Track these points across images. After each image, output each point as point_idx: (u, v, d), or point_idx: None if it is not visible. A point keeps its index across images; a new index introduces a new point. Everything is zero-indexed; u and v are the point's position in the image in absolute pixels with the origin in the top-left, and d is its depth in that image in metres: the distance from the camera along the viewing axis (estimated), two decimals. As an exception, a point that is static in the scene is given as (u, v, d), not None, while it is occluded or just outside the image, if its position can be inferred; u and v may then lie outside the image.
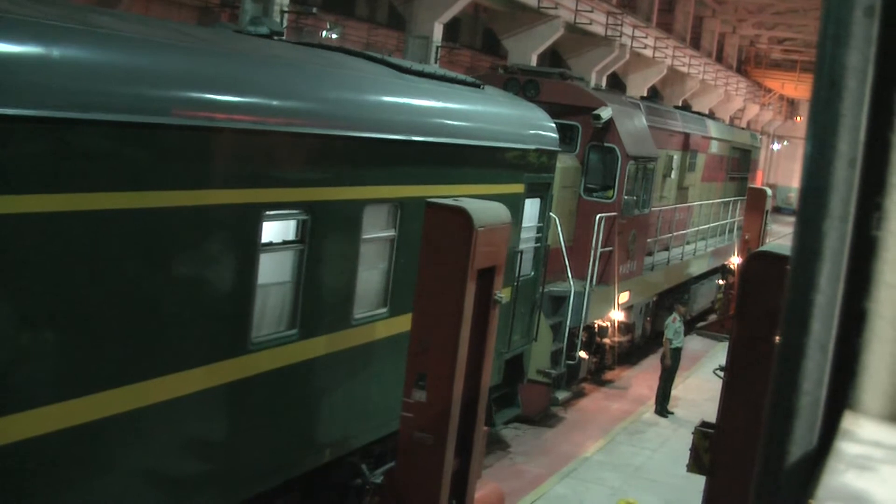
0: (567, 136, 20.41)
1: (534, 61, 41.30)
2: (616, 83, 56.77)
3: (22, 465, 7.51)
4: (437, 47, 36.50)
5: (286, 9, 29.45)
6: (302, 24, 36.94)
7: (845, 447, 2.30)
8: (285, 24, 28.91)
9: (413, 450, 11.09)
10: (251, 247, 9.66)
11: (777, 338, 2.44)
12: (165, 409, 8.80)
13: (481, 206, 11.26)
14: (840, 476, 2.16)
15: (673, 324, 21.48)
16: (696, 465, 13.59)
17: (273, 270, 10.16)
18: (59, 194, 7.47)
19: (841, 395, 2.49)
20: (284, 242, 10.45)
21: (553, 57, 52.48)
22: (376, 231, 11.71)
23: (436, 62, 34.52)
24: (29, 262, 7.33)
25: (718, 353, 24.89)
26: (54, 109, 7.34)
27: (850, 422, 2.44)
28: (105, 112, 7.79)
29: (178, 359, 8.93)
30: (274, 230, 10.32)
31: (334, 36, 36.05)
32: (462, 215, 10.82)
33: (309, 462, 11.31)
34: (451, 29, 44.61)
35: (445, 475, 11.13)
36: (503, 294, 11.69)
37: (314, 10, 33.02)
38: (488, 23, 47.14)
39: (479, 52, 55.58)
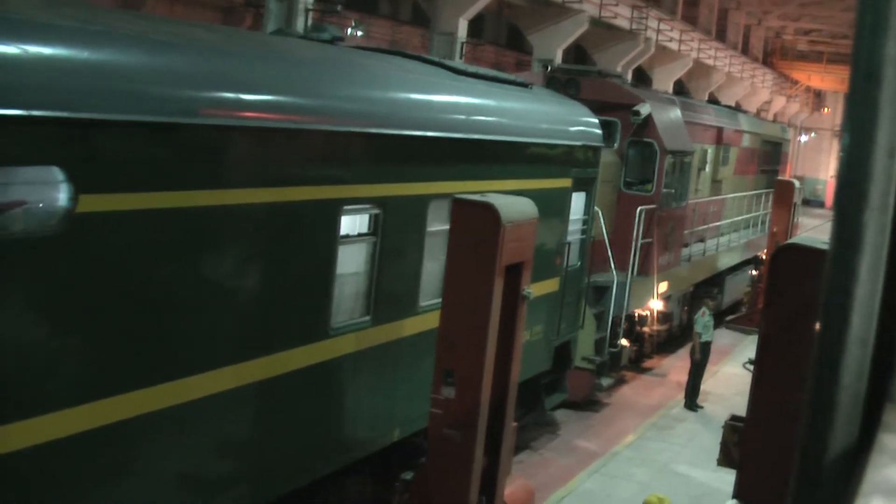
0: (607, 131, 20.60)
1: (559, 57, 41.26)
2: (641, 77, 56.62)
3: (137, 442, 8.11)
4: (462, 44, 36.49)
5: (310, 6, 29.46)
6: (326, 21, 36.99)
7: (888, 440, 2.27)
8: (310, 21, 28.92)
9: (442, 447, 11.10)
10: (331, 239, 10.35)
11: (814, 329, 2.41)
12: (260, 388, 9.58)
13: (509, 201, 11.27)
14: (884, 469, 2.13)
15: (702, 318, 21.50)
16: (725, 459, 13.55)
17: (349, 261, 10.83)
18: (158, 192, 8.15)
19: (881, 389, 2.46)
20: (359, 235, 11.17)
21: (577, 52, 52.33)
22: (439, 224, 12.14)
23: (460, 59, 34.53)
24: (146, 260, 8.04)
25: (748, 347, 24.83)
26: (161, 115, 8.03)
27: (891, 415, 2.40)
28: (212, 118, 8.69)
29: (268, 344, 9.65)
30: (350, 224, 10.97)
31: (359, 34, 36.08)
32: (490, 211, 10.79)
33: (379, 441, 11.99)
34: (475, 25, 44.52)
35: (474, 472, 11.13)
36: (531, 289, 11.68)
37: (338, 7, 33.04)
38: (512, 19, 47.02)
39: (503, 48, 55.49)
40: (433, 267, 12.29)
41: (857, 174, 2.30)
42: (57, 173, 7.16)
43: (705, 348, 21.52)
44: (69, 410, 7.44)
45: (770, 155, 35.80)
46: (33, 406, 7.17)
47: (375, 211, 11.12)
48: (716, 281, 29.01)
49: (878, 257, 2.28)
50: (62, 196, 7.19)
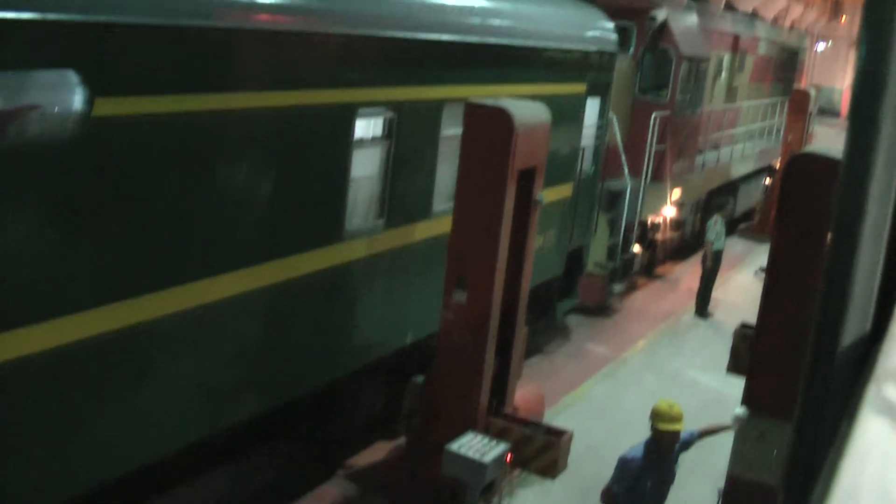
0: (622, 37, 20.41)
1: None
2: (658, -17, 55.77)
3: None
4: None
5: None
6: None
7: None
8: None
9: (453, 351, 11.17)
10: (346, 143, 10.38)
11: (827, 237, 2.42)
12: (273, 292, 9.70)
13: (522, 105, 11.21)
14: None
15: (714, 226, 21.50)
16: (735, 366, 13.66)
17: (363, 165, 10.85)
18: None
19: (894, 285, 2.48)
20: (374, 139, 11.11)
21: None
22: (453, 129, 12.04)
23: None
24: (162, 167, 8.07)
25: (759, 255, 24.81)
26: (176, 18, 8.03)
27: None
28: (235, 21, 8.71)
29: (281, 247, 9.75)
30: (364, 128, 10.93)
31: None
32: (503, 115, 10.72)
33: (392, 345, 12.15)
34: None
35: (485, 376, 11.21)
36: (544, 195, 11.67)
37: None
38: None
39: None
40: (447, 172, 12.26)
41: (872, 84, 2.30)
42: (72, 77, 7.15)
43: (717, 256, 21.55)
44: (87, 313, 7.51)
45: (786, 63, 35.44)
46: (52, 309, 7.24)
47: (390, 115, 11.09)
48: (729, 189, 28.96)
49: (894, 154, 2.29)
50: (78, 100, 7.18)
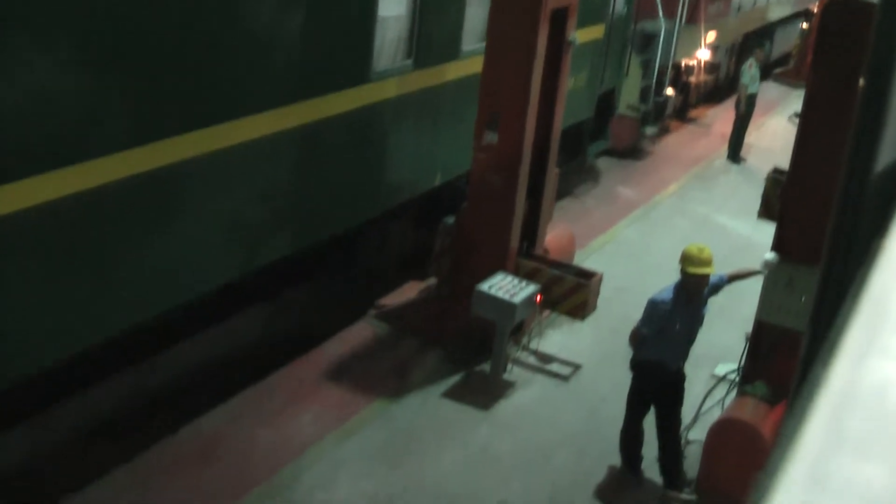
0: None
1: None
2: None
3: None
4: None
5: None
6: None
7: None
8: None
9: (484, 191, 11.17)
10: None
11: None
12: (301, 133, 9.67)
13: None
14: None
15: (749, 69, 21.18)
16: (766, 212, 13.64)
17: (392, 3, 10.64)
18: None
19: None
20: None
21: None
22: None
23: None
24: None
25: (794, 101, 24.54)
26: None
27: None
28: None
29: (309, 88, 9.67)
30: None
31: None
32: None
33: (421, 186, 12.16)
34: None
35: (516, 216, 11.23)
36: (576, 36, 11.51)
37: None
38: None
39: None
40: (477, 11, 12.06)
41: None
42: None
43: (751, 100, 21.30)
44: (117, 155, 7.52)
45: None
46: (83, 152, 7.25)
47: None
48: (765, 32, 28.43)
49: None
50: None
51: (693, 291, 9.12)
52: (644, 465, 9.65)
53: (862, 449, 0.94)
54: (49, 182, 6.95)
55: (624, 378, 9.70)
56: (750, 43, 26.22)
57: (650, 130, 20.67)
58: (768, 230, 10.16)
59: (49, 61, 6.85)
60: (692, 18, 21.10)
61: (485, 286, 10.55)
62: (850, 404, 0.98)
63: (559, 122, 11.85)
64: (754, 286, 9.92)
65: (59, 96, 6.97)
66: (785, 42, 31.17)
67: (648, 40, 19.61)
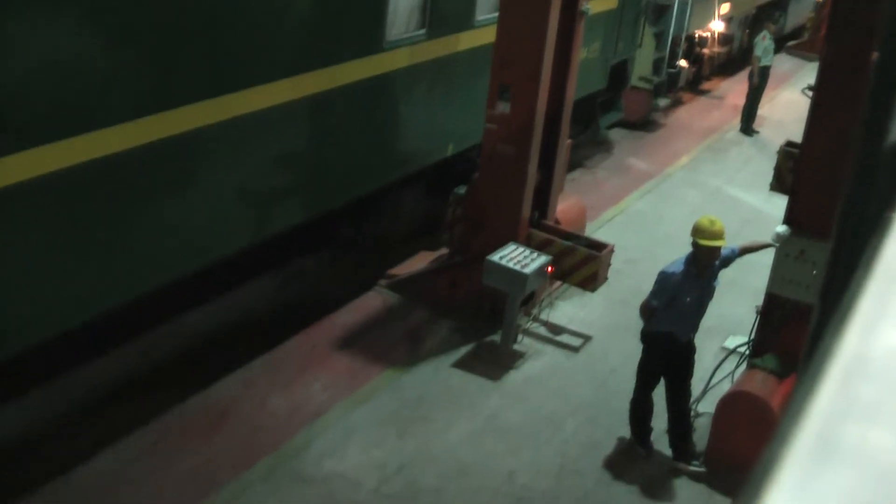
0: None
1: None
2: None
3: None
4: None
5: None
6: None
7: None
8: None
9: (496, 162, 11.16)
10: None
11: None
12: (314, 101, 9.71)
13: None
14: None
15: (762, 42, 21.07)
16: (779, 184, 13.62)
17: None
18: None
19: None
20: None
21: None
22: None
23: None
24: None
25: (808, 74, 24.42)
26: None
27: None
28: None
29: (322, 57, 9.68)
30: None
31: None
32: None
33: (433, 155, 12.18)
34: None
35: (528, 187, 11.23)
36: (589, 6, 11.47)
37: None
38: None
39: None
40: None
41: None
42: None
43: (764, 72, 21.20)
44: (131, 124, 7.54)
45: None
46: (97, 120, 7.27)
47: None
48: (779, 4, 28.27)
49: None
50: None
51: (704, 264, 9.12)
52: (653, 436, 9.67)
53: (872, 415, 0.95)
54: (77, 145, 7.02)
55: (634, 350, 9.72)
56: (763, 15, 26.12)
57: (663, 102, 20.59)
58: (780, 203, 10.16)
59: (66, 36, 6.89)
60: (707, -11, 21.07)
61: (496, 256, 10.56)
62: (860, 371, 1.00)
63: (571, 93, 11.82)
64: (765, 259, 9.92)
65: (93, 66, 7.03)
66: (799, 15, 30.99)
67: (662, 11, 19.55)
